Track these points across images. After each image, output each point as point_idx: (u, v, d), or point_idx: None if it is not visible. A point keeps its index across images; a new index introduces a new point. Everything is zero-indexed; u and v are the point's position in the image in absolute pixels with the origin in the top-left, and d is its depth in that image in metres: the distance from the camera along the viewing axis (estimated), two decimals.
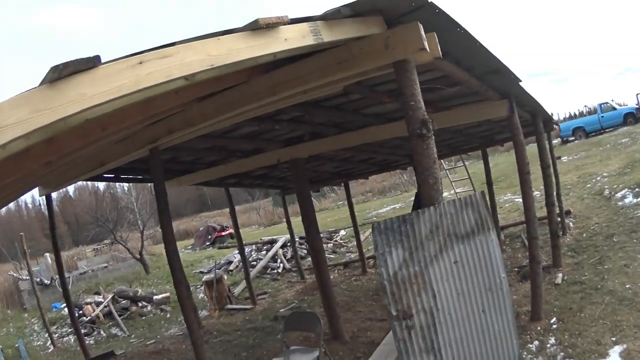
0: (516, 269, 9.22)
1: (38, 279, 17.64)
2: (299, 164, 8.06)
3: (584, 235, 10.17)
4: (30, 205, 54.45)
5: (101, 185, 34.73)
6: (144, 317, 13.19)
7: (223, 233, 25.71)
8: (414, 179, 19.54)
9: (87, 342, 11.68)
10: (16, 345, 12.78)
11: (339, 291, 10.87)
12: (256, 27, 2.81)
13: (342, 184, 16.07)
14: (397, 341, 3.50)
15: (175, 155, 8.14)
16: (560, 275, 8.20)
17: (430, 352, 3.53)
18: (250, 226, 31.38)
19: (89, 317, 13.30)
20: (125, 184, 28.09)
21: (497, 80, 5.62)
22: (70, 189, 55.57)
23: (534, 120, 8.48)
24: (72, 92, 2.19)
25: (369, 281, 11.85)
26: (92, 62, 2.24)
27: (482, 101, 6.35)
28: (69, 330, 13.00)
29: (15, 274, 19.56)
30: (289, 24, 2.97)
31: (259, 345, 8.79)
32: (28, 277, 14.71)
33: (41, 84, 2.18)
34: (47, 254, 26.82)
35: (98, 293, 15.55)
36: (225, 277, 13.87)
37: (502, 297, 3.78)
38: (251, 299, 11.95)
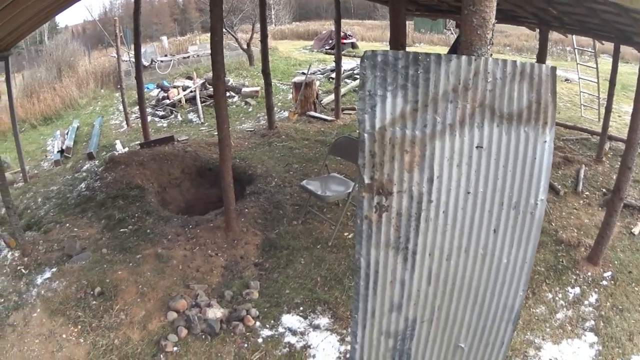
0: (604, 190, 7.57)
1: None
2: None
3: None
4: None
5: None
6: None
7: (345, 40, 24.27)
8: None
9: (161, 124, 12.10)
10: (94, 123, 13.06)
11: None
12: None
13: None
14: (360, 219, 2.60)
15: None
16: None
17: (399, 251, 2.62)
18: (382, 41, 29.65)
19: (171, 100, 13.39)
20: None
21: None
22: None
23: None
24: None
25: None
26: None
27: None
28: (150, 111, 13.10)
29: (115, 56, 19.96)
30: None
31: (315, 160, 8.37)
32: (125, 59, 14.82)
33: None
34: (164, 37, 27.19)
35: (190, 78, 15.60)
36: (318, 83, 13.13)
37: (529, 225, 2.69)
38: (336, 112, 11.28)
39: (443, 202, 2.58)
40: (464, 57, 2.43)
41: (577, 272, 5.47)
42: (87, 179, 8.35)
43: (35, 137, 13.39)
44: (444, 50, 25.44)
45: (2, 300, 5.05)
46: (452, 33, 30.83)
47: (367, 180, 2.53)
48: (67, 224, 6.64)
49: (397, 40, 7.03)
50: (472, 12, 2.47)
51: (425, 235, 2.60)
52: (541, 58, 8.74)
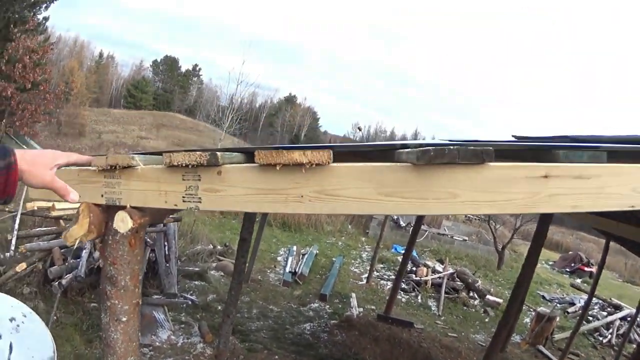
0: None
1: (397, 218, 18.54)
2: None
3: None
4: None
5: None
6: (465, 307, 12.72)
7: (586, 268, 23.38)
8: None
9: (399, 297, 11.81)
10: (334, 259, 13.36)
11: None
12: None
13: None
14: None
15: None
16: None
17: None
18: (612, 272, 27.89)
19: (417, 278, 13.39)
20: None
21: None
22: None
23: None
24: (439, 186, 1.70)
25: None
26: (480, 158, 1.66)
27: None
28: (390, 276, 13.26)
29: None
30: None
31: None
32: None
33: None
34: None
35: (441, 262, 15.55)
36: (558, 318, 12.87)
37: None
38: (563, 353, 10.97)
39: None
40: None
41: None
42: (314, 322, 8.57)
43: (268, 235, 13.58)
44: None
45: None
46: None
47: None
48: (277, 356, 6.76)
49: None
50: None
51: None
52: None
